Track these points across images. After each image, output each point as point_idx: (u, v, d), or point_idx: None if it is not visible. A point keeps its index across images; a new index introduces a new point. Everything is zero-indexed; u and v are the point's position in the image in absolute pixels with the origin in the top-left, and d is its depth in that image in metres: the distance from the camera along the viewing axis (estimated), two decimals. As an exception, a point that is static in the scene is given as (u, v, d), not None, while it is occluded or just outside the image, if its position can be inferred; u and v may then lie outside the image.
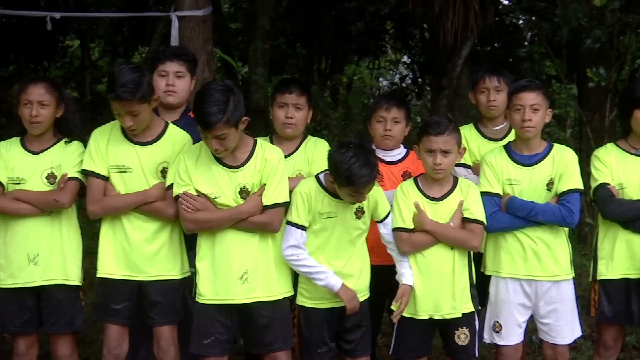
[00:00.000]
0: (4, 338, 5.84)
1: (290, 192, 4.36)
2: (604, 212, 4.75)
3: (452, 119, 4.84)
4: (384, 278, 4.61)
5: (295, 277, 4.44)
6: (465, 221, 4.47)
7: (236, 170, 4.28)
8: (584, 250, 7.45)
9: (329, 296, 4.36)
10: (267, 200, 4.26)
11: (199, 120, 4.13)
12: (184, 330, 4.58)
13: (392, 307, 4.48)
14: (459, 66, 9.02)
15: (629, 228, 4.69)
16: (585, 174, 4.70)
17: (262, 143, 4.40)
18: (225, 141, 4.15)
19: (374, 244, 4.56)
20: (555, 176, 4.58)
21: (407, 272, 4.45)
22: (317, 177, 4.39)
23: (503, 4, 10.80)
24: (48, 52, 15.38)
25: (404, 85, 16.12)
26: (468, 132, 5.06)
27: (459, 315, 4.46)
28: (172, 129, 4.55)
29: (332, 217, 4.33)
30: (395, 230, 4.46)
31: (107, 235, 4.49)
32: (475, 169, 5.00)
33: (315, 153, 4.71)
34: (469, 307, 4.51)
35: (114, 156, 4.45)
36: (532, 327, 4.91)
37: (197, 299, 4.35)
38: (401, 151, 4.98)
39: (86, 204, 4.46)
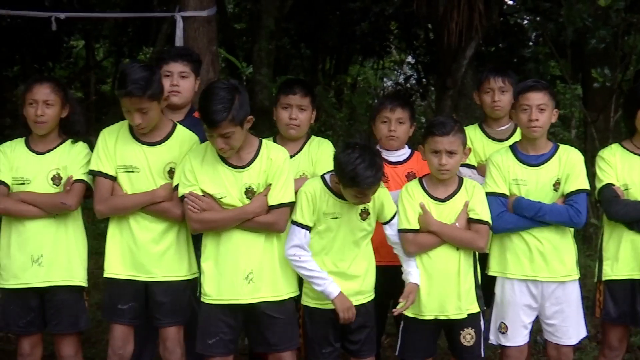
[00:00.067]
0: (9, 338, 5.84)
1: (295, 192, 4.36)
2: (608, 212, 4.75)
3: (457, 120, 4.83)
4: (388, 279, 4.61)
5: (300, 277, 4.43)
6: (471, 222, 4.47)
7: (242, 170, 4.28)
8: (588, 251, 7.44)
9: (333, 296, 4.36)
10: (272, 200, 4.26)
11: (204, 119, 4.13)
12: (190, 331, 4.58)
13: (398, 307, 4.47)
14: (464, 66, 9.02)
15: (634, 229, 4.68)
16: (590, 174, 4.69)
17: (268, 143, 4.40)
18: (231, 140, 4.15)
19: (379, 245, 4.56)
20: (562, 176, 4.57)
21: (414, 271, 4.44)
22: (322, 177, 4.38)
23: (508, 4, 10.81)
24: (53, 52, 15.42)
25: (408, 85, 16.12)
26: (473, 133, 5.05)
27: (465, 315, 4.45)
28: (180, 130, 4.55)
29: (336, 218, 4.32)
30: (400, 231, 4.45)
31: (114, 235, 4.49)
32: (479, 169, 5.00)
33: (319, 154, 4.71)
34: (475, 308, 4.50)
35: (121, 156, 4.45)
36: (536, 327, 4.90)
37: (202, 299, 4.35)
38: (405, 152, 4.97)
39: (93, 203, 4.46)
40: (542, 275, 4.57)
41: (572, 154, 4.64)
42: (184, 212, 4.35)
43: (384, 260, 4.60)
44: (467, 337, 4.50)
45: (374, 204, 4.36)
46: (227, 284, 4.27)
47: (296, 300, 4.45)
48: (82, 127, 4.76)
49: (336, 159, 4.21)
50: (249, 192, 4.27)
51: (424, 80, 14.91)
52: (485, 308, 4.60)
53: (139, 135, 4.47)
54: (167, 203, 4.41)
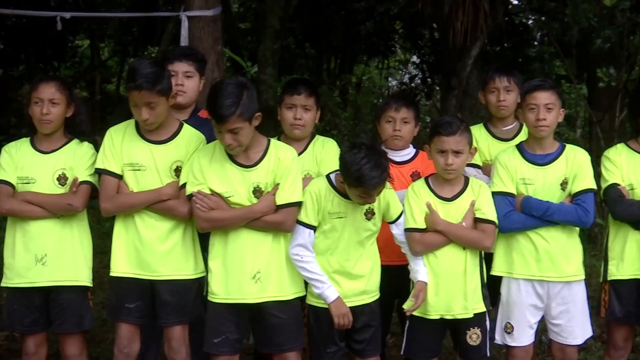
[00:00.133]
0: (14, 337, 5.85)
1: (299, 192, 4.36)
2: (614, 212, 4.74)
3: (463, 119, 4.83)
4: (393, 278, 4.60)
5: (307, 277, 4.43)
6: (477, 221, 4.47)
7: (249, 169, 4.27)
8: (593, 251, 7.43)
9: (338, 296, 4.36)
10: (280, 200, 4.25)
11: (213, 114, 4.14)
12: (195, 330, 4.59)
13: (404, 307, 4.47)
14: (469, 66, 9.01)
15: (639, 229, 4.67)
16: (596, 174, 4.69)
17: (276, 142, 4.40)
18: (239, 136, 4.15)
19: (384, 244, 4.55)
20: (569, 176, 4.57)
21: (422, 269, 4.44)
22: (327, 177, 4.38)
23: (513, 4, 10.81)
24: (58, 52, 15.44)
25: (413, 85, 16.13)
26: (478, 132, 5.04)
27: (471, 315, 4.45)
28: (187, 129, 4.55)
29: (341, 218, 4.32)
30: (407, 230, 4.45)
31: (120, 233, 4.48)
32: (484, 169, 4.99)
33: (324, 153, 4.71)
34: (481, 307, 4.50)
35: (128, 154, 4.44)
36: (541, 327, 4.90)
37: (209, 298, 4.35)
38: (410, 151, 4.97)
39: (99, 201, 4.46)
40: (549, 275, 4.56)
41: (579, 153, 4.64)
42: (190, 210, 4.36)
43: (389, 260, 4.59)
44: (473, 336, 4.50)
45: (379, 204, 4.36)
46: (234, 283, 4.27)
47: (301, 299, 4.45)
48: (87, 127, 4.78)
49: (342, 158, 4.21)
50: (257, 192, 4.27)
51: (428, 79, 14.92)
52: (490, 307, 4.60)
53: (146, 134, 4.47)
54: (174, 201, 4.41)
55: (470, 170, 4.81)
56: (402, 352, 4.65)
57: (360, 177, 4.08)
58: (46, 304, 4.57)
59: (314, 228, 4.31)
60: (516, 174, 4.59)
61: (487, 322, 4.56)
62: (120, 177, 4.44)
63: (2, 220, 4.76)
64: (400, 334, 4.84)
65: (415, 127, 4.96)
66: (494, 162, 4.71)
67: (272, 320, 4.30)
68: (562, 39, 8.55)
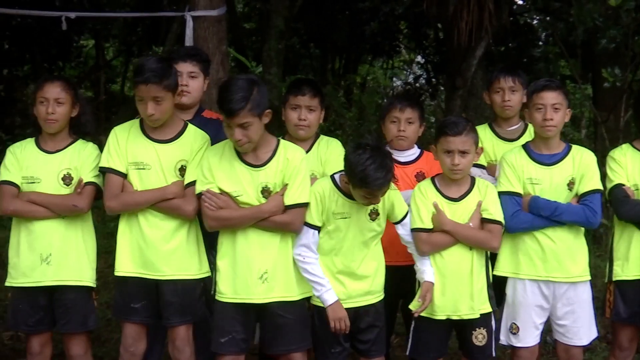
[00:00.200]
0: (19, 337, 5.85)
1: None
2: (619, 213, 4.74)
3: (469, 119, 4.82)
4: (397, 278, 4.60)
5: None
6: (484, 222, 4.47)
7: (258, 169, 4.27)
8: (598, 251, 7.42)
9: (342, 296, 4.35)
10: (288, 200, 4.25)
11: (223, 108, 4.14)
12: (199, 330, 4.59)
13: (410, 307, 4.47)
14: (473, 66, 9.01)
15: (645, 229, 4.68)
16: (601, 175, 4.68)
17: (285, 143, 4.39)
18: (249, 131, 4.15)
19: (388, 245, 4.55)
20: (576, 176, 4.57)
21: (429, 269, 4.44)
22: (332, 177, 4.38)
23: (518, 4, 10.80)
24: (63, 52, 15.46)
25: (417, 85, 16.11)
26: (482, 133, 5.04)
27: (477, 315, 4.45)
28: (192, 129, 4.55)
29: (345, 218, 4.32)
30: (414, 230, 4.45)
31: (124, 233, 4.48)
32: (489, 169, 4.99)
33: (329, 153, 4.71)
34: (487, 308, 4.50)
35: (132, 153, 4.45)
36: (546, 328, 4.89)
37: (216, 297, 4.35)
38: (415, 151, 4.97)
39: (104, 200, 4.46)
40: (555, 276, 4.56)
41: (585, 154, 4.64)
42: (195, 209, 4.37)
43: (393, 260, 4.59)
44: (479, 336, 4.49)
45: (383, 204, 4.35)
46: (241, 282, 4.27)
47: (307, 299, 4.45)
48: (91, 127, 4.79)
49: (346, 159, 4.20)
50: (265, 192, 4.26)
51: (433, 79, 14.90)
52: (496, 308, 4.60)
53: (151, 133, 4.48)
54: (179, 200, 4.41)
55: (475, 171, 4.81)
56: (407, 353, 4.65)
57: (364, 178, 4.07)
58: (51, 304, 4.58)
59: (318, 228, 4.31)
60: (523, 173, 4.59)
61: (493, 323, 4.55)
62: (124, 176, 4.44)
63: (7, 220, 4.76)
64: (405, 334, 4.84)
65: (420, 128, 4.96)
66: (501, 161, 4.71)
67: (279, 320, 4.30)
68: (567, 39, 8.53)
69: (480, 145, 4.60)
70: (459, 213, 4.46)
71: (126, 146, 4.45)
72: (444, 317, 4.46)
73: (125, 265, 4.46)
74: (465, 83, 9.02)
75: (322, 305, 4.38)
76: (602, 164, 4.81)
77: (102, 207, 4.48)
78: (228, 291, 4.30)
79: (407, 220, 4.46)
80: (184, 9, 6.87)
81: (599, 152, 4.90)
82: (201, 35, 6.73)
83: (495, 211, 4.47)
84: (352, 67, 17.21)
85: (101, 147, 4.56)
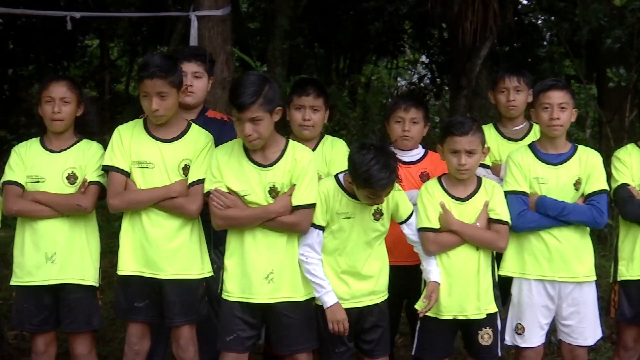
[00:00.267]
0: (23, 336, 5.86)
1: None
2: (623, 213, 4.73)
3: (476, 119, 4.81)
4: (401, 278, 4.60)
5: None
6: (491, 222, 4.46)
7: (266, 169, 4.27)
8: (603, 251, 7.41)
9: (346, 296, 4.35)
10: (296, 201, 4.24)
11: (234, 102, 4.14)
12: (203, 329, 4.59)
13: (416, 307, 4.47)
14: (478, 66, 9.01)
15: (650, 229, 4.67)
16: (606, 174, 4.68)
17: (294, 143, 4.38)
18: (259, 127, 4.15)
19: (392, 245, 4.54)
20: (582, 176, 4.57)
21: (435, 269, 4.43)
22: (336, 177, 4.38)
23: (522, 4, 10.79)
24: (67, 51, 15.49)
25: (422, 85, 16.11)
26: (487, 132, 5.01)
27: (484, 316, 4.45)
28: (195, 128, 4.56)
29: (349, 218, 4.31)
30: (421, 230, 4.45)
31: (127, 231, 4.48)
32: (494, 169, 4.99)
33: (333, 153, 4.70)
34: (493, 308, 4.50)
35: (136, 152, 4.45)
36: (551, 327, 4.88)
37: (222, 296, 4.35)
38: (419, 151, 4.97)
39: (107, 198, 4.46)
40: (561, 276, 4.55)
41: (591, 154, 4.65)
42: (198, 208, 4.38)
43: (397, 260, 4.59)
44: (485, 336, 4.49)
45: (387, 204, 4.35)
46: (247, 282, 4.27)
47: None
48: (96, 127, 4.80)
49: (350, 159, 4.20)
50: (273, 192, 4.26)
51: (438, 79, 14.91)
52: (502, 308, 4.59)
53: (154, 132, 4.48)
54: (182, 199, 4.41)
55: (480, 171, 4.79)
56: (413, 353, 4.64)
57: (368, 178, 4.07)
58: (56, 303, 4.58)
59: (322, 228, 4.31)
60: (529, 173, 4.59)
61: (499, 322, 4.55)
62: (128, 174, 4.44)
63: (11, 220, 4.77)
64: (409, 334, 4.84)
65: (425, 128, 4.95)
66: (507, 161, 4.70)
67: (284, 320, 4.30)
68: (572, 39, 8.52)
69: (489, 145, 4.59)
70: (466, 213, 4.46)
71: (130, 145, 4.45)
72: (450, 317, 4.45)
73: (128, 264, 4.45)
74: (470, 83, 9.02)
75: (326, 305, 4.39)
76: (607, 164, 4.81)
77: (106, 207, 4.48)
78: (234, 290, 4.30)
79: (412, 219, 4.45)
80: (189, 9, 6.87)
81: (604, 152, 4.90)
82: (206, 35, 6.73)
83: (502, 211, 4.47)
84: (356, 66, 17.21)
85: (106, 147, 4.56)
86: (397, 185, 4.29)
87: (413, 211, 4.45)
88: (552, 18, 9.00)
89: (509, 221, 4.47)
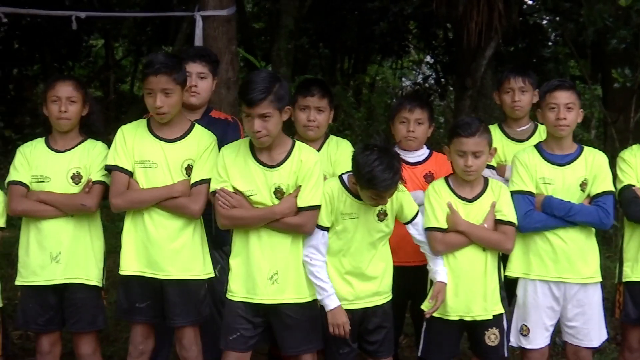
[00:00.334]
0: (28, 336, 5.87)
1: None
2: (628, 214, 4.73)
3: (483, 119, 4.81)
4: (406, 279, 4.61)
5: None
6: (498, 223, 4.46)
7: (272, 169, 4.27)
8: (608, 252, 7.40)
9: (350, 297, 4.35)
10: (301, 202, 4.24)
11: (244, 97, 4.14)
12: (206, 329, 4.59)
13: (423, 307, 4.47)
14: (483, 66, 8.99)
15: (654, 230, 4.66)
16: (611, 175, 4.68)
17: (300, 144, 4.38)
18: (268, 124, 4.14)
19: (396, 245, 4.54)
20: (589, 177, 4.56)
21: (442, 270, 4.43)
22: (340, 177, 4.38)
23: (527, 4, 10.77)
24: (72, 51, 15.48)
25: (427, 85, 16.09)
26: (492, 133, 4.98)
27: (490, 317, 4.45)
28: (199, 128, 4.56)
29: (353, 219, 4.31)
30: (428, 229, 4.44)
31: (129, 231, 4.48)
32: (499, 169, 4.98)
33: (338, 154, 4.71)
34: (499, 309, 4.50)
35: (139, 151, 4.45)
36: (555, 329, 4.87)
37: (227, 295, 4.36)
38: (424, 152, 4.96)
39: (109, 197, 4.46)
40: (566, 277, 4.55)
41: (597, 155, 4.65)
42: (200, 209, 4.39)
43: (402, 261, 4.59)
44: (492, 337, 4.49)
45: (392, 205, 4.34)
46: (251, 282, 4.27)
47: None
48: (100, 127, 4.80)
49: (354, 159, 4.20)
50: (278, 192, 4.26)
51: (442, 80, 14.87)
52: (508, 308, 4.58)
53: (158, 131, 4.49)
54: (184, 199, 4.41)
55: (485, 171, 4.80)
56: (419, 354, 4.64)
57: (372, 179, 4.07)
58: (60, 303, 4.59)
59: (327, 229, 4.31)
60: (536, 173, 4.59)
61: (505, 323, 4.55)
62: (130, 174, 4.44)
63: (16, 219, 4.78)
64: (413, 334, 4.83)
65: (429, 128, 4.95)
66: (513, 161, 4.70)
67: (289, 321, 4.30)
68: (577, 40, 8.52)
69: (493, 146, 4.59)
70: (473, 214, 4.46)
71: (133, 145, 4.46)
72: (456, 318, 4.45)
73: (130, 264, 4.46)
74: (475, 83, 9.01)
75: (331, 306, 4.38)
76: (612, 164, 4.80)
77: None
78: (238, 290, 4.31)
79: (417, 220, 4.45)
80: (194, 9, 6.88)
81: (609, 153, 4.89)
82: (211, 35, 6.73)
83: (508, 212, 4.47)
84: (361, 67, 17.20)
85: (110, 147, 4.57)
86: (401, 186, 4.28)
87: (418, 211, 4.45)
88: (557, 18, 8.99)
89: (516, 222, 4.47)
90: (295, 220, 4.25)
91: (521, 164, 4.61)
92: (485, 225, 4.44)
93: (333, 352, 4.43)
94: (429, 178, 4.80)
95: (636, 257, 4.71)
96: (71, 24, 6.78)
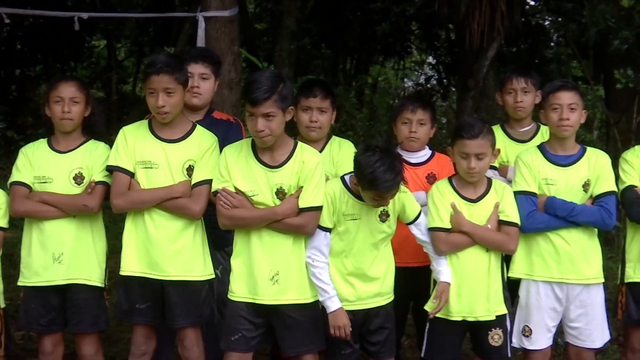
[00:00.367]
0: (30, 336, 5.87)
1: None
2: (630, 214, 4.73)
3: (486, 120, 4.80)
4: (408, 280, 4.61)
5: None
6: (501, 224, 4.46)
7: (274, 170, 4.27)
8: (610, 253, 7.40)
9: (352, 298, 4.35)
10: (303, 203, 4.24)
11: (249, 96, 4.14)
12: (208, 329, 4.59)
13: (426, 308, 4.47)
14: (485, 67, 8.99)
15: (656, 231, 4.66)
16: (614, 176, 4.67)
17: (303, 145, 4.38)
18: (272, 123, 4.14)
19: (398, 246, 4.54)
20: (591, 178, 4.56)
21: (445, 269, 4.42)
22: (342, 178, 4.37)
23: (530, 5, 10.76)
24: (74, 52, 15.48)
25: (429, 86, 16.08)
26: (494, 134, 5.03)
27: (493, 317, 4.45)
28: (200, 129, 4.57)
29: (355, 220, 4.31)
30: (432, 229, 4.44)
31: (130, 232, 4.48)
32: (501, 170, 4.98)
33: (341, 155, 4.71)
34: (502, 310, 4.50)
35: (140, 152, 4.46)
36: (558, 329, 4.87)
37: (228, 295, 4.36)
38: (426, 153, 4.96)
39: (110, 198, 4.47)
40: (569, 278, 4.55)
41: (600, 156, 4.65)
42: (201, 209, 4.39)
43: (404, 262, 4.59)
44: (495, 337, 4.48)
45: (394, 205, 4.34)
46: (253, 283, 4.27)
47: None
48: (102, 127, 4.82)
49: (356, 160, 4.19)
50: (280, 193, 4.26)
51: (445, 80, 14.87)
52: (511, 309, 4.58)
53: (159, 132, 4.49)
54: (185, 199, 4.41)
55: (487, 172, 4.80)
56: (422, 354, 4.64)
57: (373, 180, 4.06)
58: (63, 304, 4.60)
59: (329, 230, 4.31)
60: (539, 173, 4.58)
61: (508, 323, 4.55)
62: (132, 174, 4.45)
63: (19, 220, 4.78)
64: (415, 335, 4.82)
65: (432, 129, 4.95)
66: (516, 161, 4.70)
67: (290, 322, 4.30)
68: (579, 40, 8.52)
69: (497, 147, 4.58)
70: (477, 214, 4.45)
71: (134, 145, 4.47)
72: (459, 319, 4.45)
73: (131, 265, 4.46)
74: (477, 84, 9.01)
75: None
76: (614, 165, 4.80)
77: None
78: (239, 290, 4.31)
79: (420, 220, 4.45)
80: (196, 10, 6.87)
81: (611, 153, 4.89)
82: (213, 35, 6.73)
83: (512, 213, 4.47)
84: (363, 67, 17.19)
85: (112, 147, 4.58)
86: (403, 187, 4.28)
87: (421, 211, 4.45)
88: (560, 19, 8.98)
89: (519, 222, 4.47)
90: (296, 221, 4.24)
91: (524, 164, 4.61)
92: (489, 226, 4.44)
93: (335, 352, 4.43)
94: (431, 179, 4.80)
95: (638, 258, 4.71)
96: (73, 24, 6.77)
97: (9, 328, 4.77)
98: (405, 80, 19.75)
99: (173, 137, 4.49)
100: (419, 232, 4.46)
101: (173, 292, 4.44)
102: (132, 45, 17.96)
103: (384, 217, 4.34)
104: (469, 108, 9.05)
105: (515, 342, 4.66)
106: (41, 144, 4.67)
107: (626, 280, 4.76)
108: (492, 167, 4.93)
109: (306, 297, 4.31)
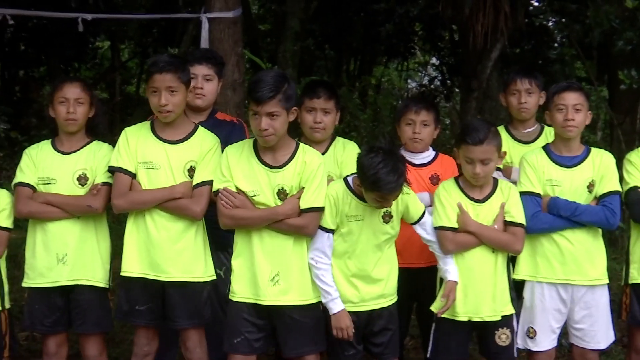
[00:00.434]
0: (34, 337, 5.87)
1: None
2: (634, 215, 4.73)
3: (492, 123, 4.79)
4: (411, 281, 4.61)
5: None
6: (507, 224, 4.46)
7: (276, 170, 4.27)
8: (614, 254, 7.39)
9: (356, 300, 4.35)
10: (304, 204, 4.24)
11: (253, 95, 4.14)
12: (212, 330, 4.59)
13: (432, 308, 4.46)
14: (489, 68, 8.99)
15: (660, 232, 4.66)
16: (618, 176, 4.67)
17: (304, 146, 4.38)
18: (275, 122, 4.15)
19: (402, 247, 4.53)
20: (596, 178, 4.56)
21: (452, 268, 4.42)
22: (345, 179, 4.37)
23: (533, 6, 10.75)
24: (78, 53, 15.52)
25: (432, 87, 16.08)
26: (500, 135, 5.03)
27: (499, 317, 4.44)
28: (202, 130, 4.57)
29: (358, 221, 4.30)
30: (438, 228, 4.43)
31: (132, 233, 4.48)
32: (505, 171, 4.97)
33: (345, 156, 4.70)
34: (509, 310, 4.49)
35: (142, 153, 4.46)
36: (562, 330, 4.87)
37: (229, 296, 4.36)
38: (430, 154, 4.96)
39: (112, 198, 4.48)
40: (574, 279, 4.54)
41: (605, 156, 4.65)
42: (202, 210, 4.39)
43: (407, 263, 4.59)
44: (502, 337, 4.48)
45: (397, 207, 4.33)
46: (254, 283, 4.27)
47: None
48: (104, 128, 4.82)
49: (359, 161, 4.19)
50: (281, 193, 4.26)
51: (448, 81, 14.87)
52: (518, 309, 4.58)
53: (161, 133, 4.50)
54: (187, 200, 4.41)
55: (492, 173, 4.80)
56: (428, 355, 4.63)
57: (376, 182, 4.06)
58: (67, 304, 4.60)
59: (332, 231, 4.30)
60: (543, 174, 4.58)
61: (515, 324, 4.55)
62: (133, 175, 4.45)
63: (23, 221, 4.79)
64: (419, 336, 4.81)
65: (435, 130, 4.94)
66: (521, 162, 4.69)
67: (292, 323, 4.30)
68: (583, 41, 8.51)
69: (503, 149, 4.57)
70: (483, 214, 4.45)
71: (136, 146, 4.47)
72: (465, 319, 4.44)
73: (132, 266, 4.46)
74: (481, 85, 9.01)
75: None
76: (618, 166, 4.80)
77: (116, 207, 4.50)
78: (241, 291, 4.31)
79: (425, 219, 4.44)
80: (200, 11, 6.89)
81: (615, 154, 4.88)
82: (217, 36, 6.74)
83: (517, 214, 4.46)
84: (367, 68, 17.19)
85: (115, 148, 4.59)
86: (406, 188, 4.28)
87: (425, 211, 4.44)
88: (563, 20, 8.97)
89: (525, 223, 4.47)
90: (297, 222, 4.24)
91: (529, 165, 4.61)
92: (496, 226, 4.44)
93: (338, 353, 4.42)
94: (435, 180, 4.80)
95: (642, 259, 4.71)
96: (77, 25, 6.79)
97: (13, 329, 4.78)
98: (409, 81, 19.75)
99: (175, 138, 4.49)
100: (423, 231, 4.46)
101: (174, 293, 4.44)
102: (135, 46, 17.99)
103: (387, 218, 4.34)
104: (472, 109, 9.05)
105: (520, 343, 4.66)
106: (45, 145, 4.67)
107: (630, 282, 4.76)
108: (496, 168, 4.93)
109: (308, 298, 4.31)
